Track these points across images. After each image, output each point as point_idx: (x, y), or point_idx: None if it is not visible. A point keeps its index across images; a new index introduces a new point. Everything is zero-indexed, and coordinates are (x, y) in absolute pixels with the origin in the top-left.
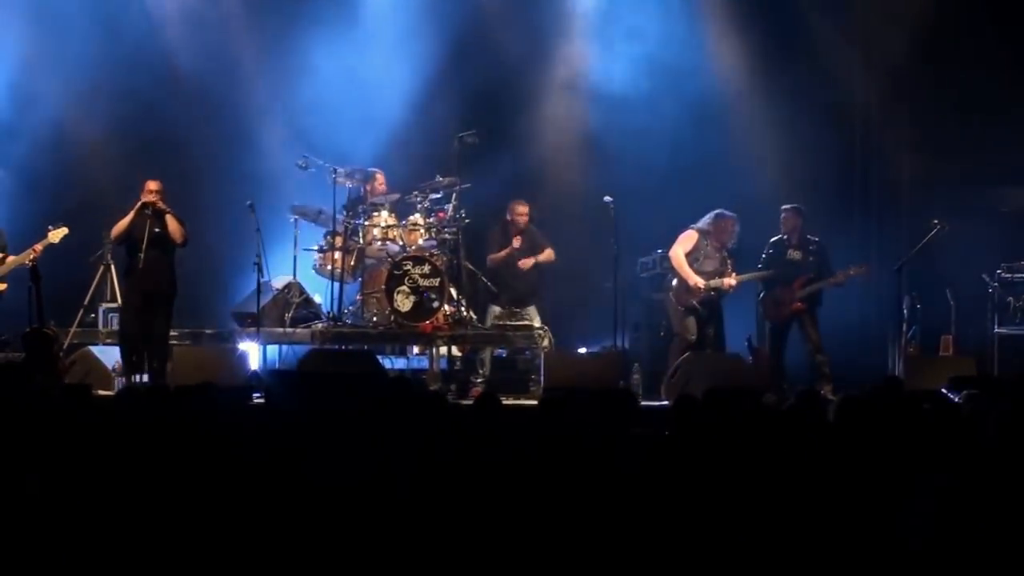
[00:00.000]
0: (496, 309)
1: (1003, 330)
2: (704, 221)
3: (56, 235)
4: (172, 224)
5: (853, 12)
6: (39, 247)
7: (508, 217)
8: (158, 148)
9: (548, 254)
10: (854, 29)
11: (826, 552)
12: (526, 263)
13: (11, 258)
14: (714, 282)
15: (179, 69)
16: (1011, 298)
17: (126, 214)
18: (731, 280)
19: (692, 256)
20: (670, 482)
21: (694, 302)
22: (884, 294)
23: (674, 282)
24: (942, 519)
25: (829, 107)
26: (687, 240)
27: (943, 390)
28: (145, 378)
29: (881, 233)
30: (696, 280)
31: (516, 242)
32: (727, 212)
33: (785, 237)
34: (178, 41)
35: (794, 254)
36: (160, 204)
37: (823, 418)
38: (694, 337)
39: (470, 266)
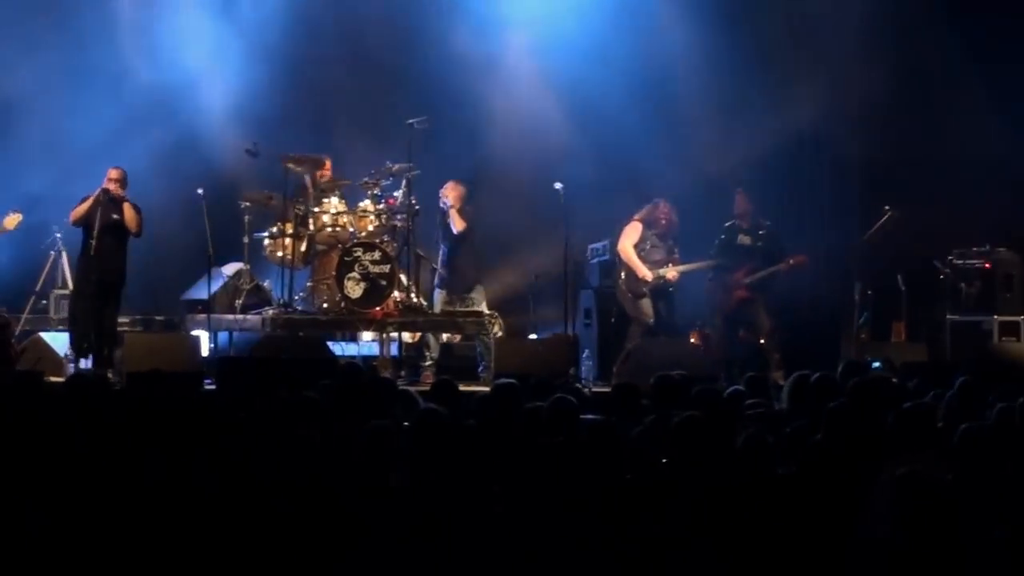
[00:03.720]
0: (443, 294)
1: (955, 316)
2: (644, 210)
3: (11, 222)
4: (128, 213)
5: None
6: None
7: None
8: (111, 135)
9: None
10: (805, 10)
11: (779, 541)
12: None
13: None
14: (662, 271)
15: (134, 57)
16: (963, 284)
17: (84, 200)
18: (672, 272)
19: (639, 247)
20: (618, 469)
21: (644, 290)
22: (835, 279)
23: (623, 273)
24: (903, 507)
25: (779, 90)
26: (632, 232)
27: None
28: (92, 364)
29: (832, 217)
30: (645, 272)
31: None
32: (662, 200)
33: (736, 222)
34: (133, 29)
35: (744, 239)
36: (117, 192)
37: (770, 403)
38: (652, 320)
39: (420, 253)
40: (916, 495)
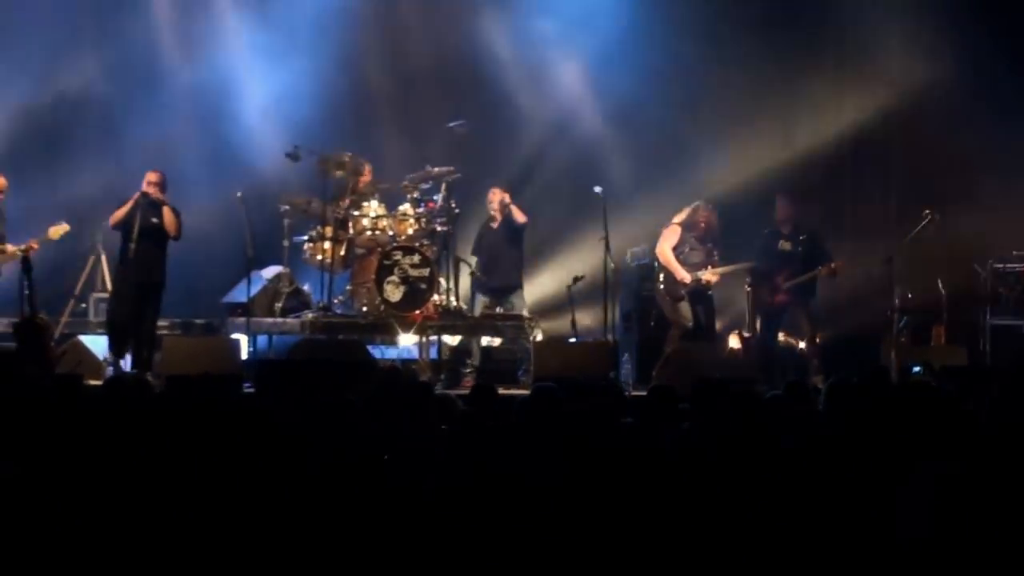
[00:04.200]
0: (483, 298)
1: (995, 320)
2: (683, 213)
3: (56, 232)
4: (168, 216)
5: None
6: (35, 243)
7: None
8: (150, 139)
9: (518, 216)
10: (847, 17)
11: (816, 544)
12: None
13: (10, 247)
14: (700, 273)
15: (173, 60)
16: (1003, 288)
17: (124, 204)
18: (710, 275)
19: (678, 250)
20: (657, 473)
21: (683, 293)
22: (875, 284)
23: (661, 276)
24: (941, 508)
25: (821, 93)
26: (671, 235)
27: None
28: (131, 368)
29: (872, 222)
30: (683, 275)
31: (493, 224)
32: (704, 203)
33: (777, 228)
34: (171, 31)
35: (784, 245)
36: (157, 195)
37: (812, 408)
38: (691, 324)
39: (460, 256)
40: (956, 495)
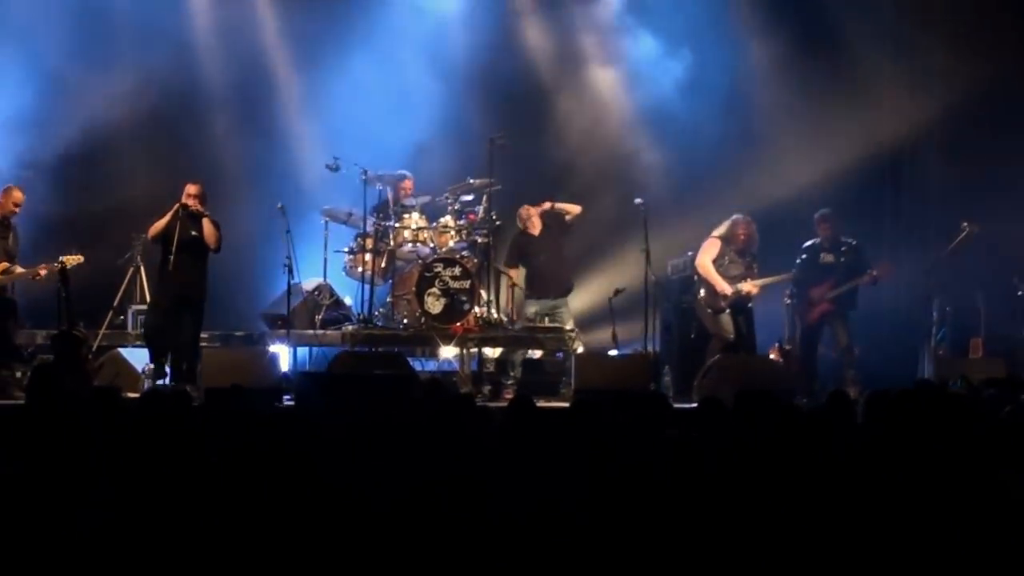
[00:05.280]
0: (532, 305)
1: None
2: (723, 227)
3: (70, 262)
4: (207, 228)
5: (883, 13)
6: (43, 271)
7: (520, 226)
8: (191, 151)
9: (572, 208)
10: (885, 30)
11: (857, 554)
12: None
13: (18, 270)
14: (741, 285)
15: (213, 73)
16: None
17: (163, 215)
18: (750, 287)
19: (717, 263)
20: (701, 485)
21: (724, 305)
22: (914, 296)
23: (702, 290)
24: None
25: (859, 106)
26: (711, 248)
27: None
28: (170, 380)
29: (911, 235)
30: (724, 287)
31: (533, 231)
32: (743, 216)
33: (819, 241)
34: (213, 45)
35: (827, 257)
36: (196, 207)
37: (852, 419)
38: (732, 336)
39: (501, 268)
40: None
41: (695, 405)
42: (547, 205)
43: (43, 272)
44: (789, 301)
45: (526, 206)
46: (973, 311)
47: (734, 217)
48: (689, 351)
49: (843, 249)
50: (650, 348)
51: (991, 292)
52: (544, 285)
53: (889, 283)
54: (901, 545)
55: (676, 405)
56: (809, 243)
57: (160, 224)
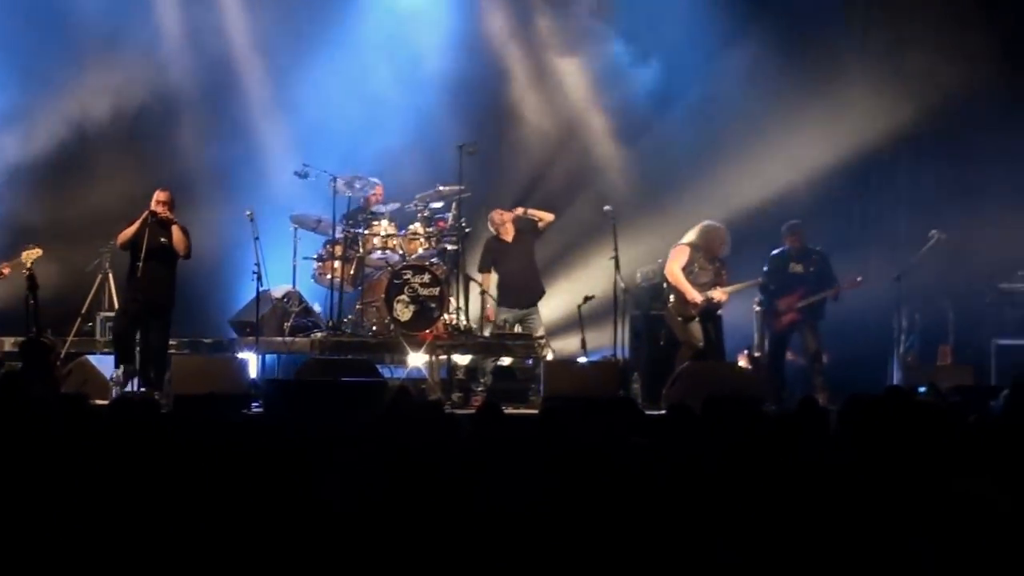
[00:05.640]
0: (504, 313)
1: (1002, 340)
2: (693, 234)
3: (29, 257)
4: (177, 235)
5: (854, 18)
6: (7, 268)
7: (493, 231)
8: (160, 157)
9: (545, 215)
10: (856, 36)
11: (828, 563)
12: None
13: None
14: (712, 293)
15: (183, 79)
16: (1009, 308)
17: (132, 222)
18: (720, 294)
19: (687, 270)
20: (670, 492)
21: (694, 313)
22: (883, 303)
23: (671, 297)
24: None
25: (828, 115)
26: (680, 255)
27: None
28: (138, 388)
29: (880, 241)
30: (694, 295)
31: (507, 235)
32: (715, 223)
33: (787, 250)
34: (182, 51)
35: (796, 267)
36: (166, 214)
37: (823, 426)
38: (702, 343)
39: (471, 275)
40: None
41: (663, 412)
42: (520, 211)
43: (6, 271)
44: (758, 308)
45: (499, 211)
46: (942, 318)
47: (704, 223)
48: (658, 358)
49: (813, 258)
50: (619, 355)
51: (960, 300)
52: (517, 294)
53: (858, 290)
54: (870, 552)
55: (646, 412)
56: (777, 251)
57: (129, 231)
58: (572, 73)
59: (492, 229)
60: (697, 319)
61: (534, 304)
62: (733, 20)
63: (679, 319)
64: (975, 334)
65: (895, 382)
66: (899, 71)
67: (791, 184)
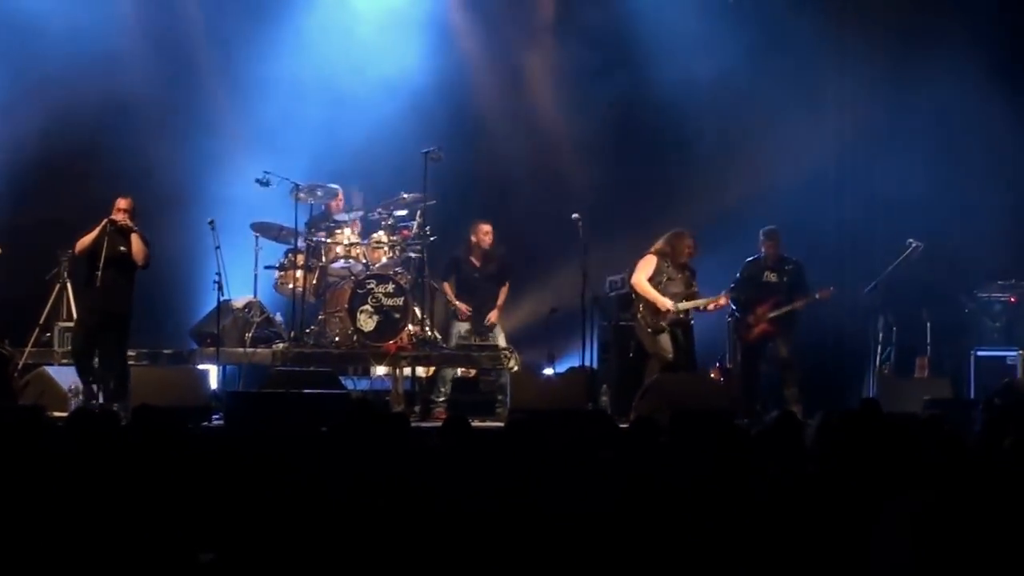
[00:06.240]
0: (461, 328)
1: (981, 352)
2: (659, 242)
3: None
4: (136, 244)
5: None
6: None
7: (472, 239)
8: (120, 164)
9: (504, 292)
10: (831, 40)
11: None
12: (491, 317)
13: None
14: (683, 304)
15: (139, 85)
16: (988, 318)
17: (91, 230)
18: (688, 307)
19: (655, 280)
20: (634, 509)
21: (663, 324)
22: (858, 313)
23: (640, 306)
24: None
25: (802, 122)
26: (647, 265)
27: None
28: (101, 399)
29: (855, 251)
30: (666, 303)
31: (477, 261)
32: (683, 230)
33: (761, 257)
34: (141, 57)
35: (770, 276)
36: (126, 222)
37: (799, 442)
38: (671, 356)
39: (435, 285)
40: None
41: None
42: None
43: None
44: (730, 318)
45: (486, 227)
46: (919, 329)
47: (673, 231)
48: (627, 370)
49: (787, 268)
50: (587, 367)
51: (937, 309)
52: (478, 319)
53: (832, 300)
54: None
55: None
56: (751, 259)
57: (88, 238)
58: (540, 79)
59: (473, 238)
60: (667, 330)
61: (495, 324)
62: (703, 26)
63: (648, 331)
64: (953, 345)
65: (871, 395)
66: (873, 73)
67: (764, 191)
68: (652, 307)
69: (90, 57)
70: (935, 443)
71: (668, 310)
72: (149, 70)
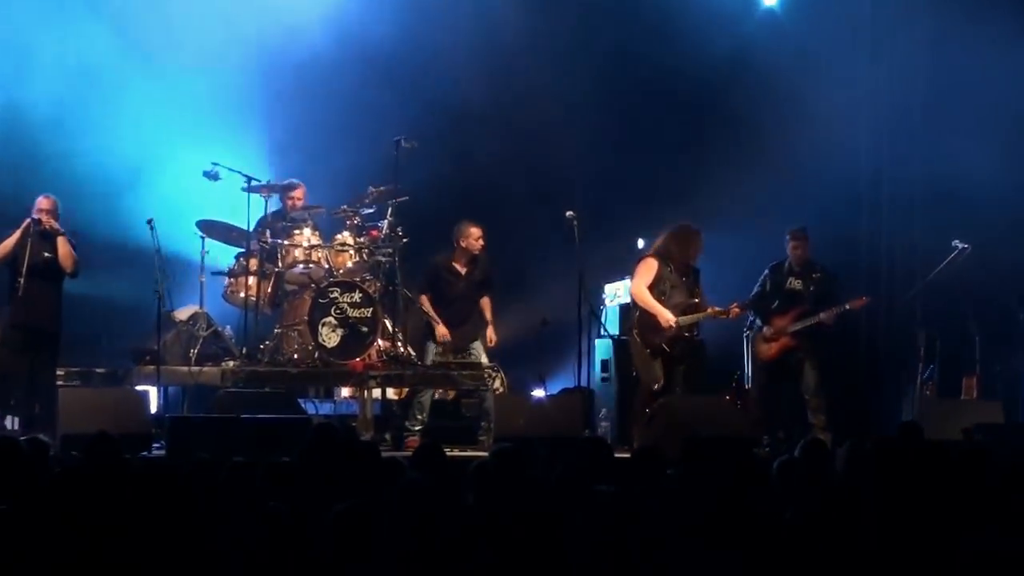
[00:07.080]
0: (436, 346)
1: None
2: (658, 241)
3: None
4: (63, 248)
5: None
6: None
7: (461, 243)
8: (42, 159)
9: (489, 305)
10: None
11: None
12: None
13: None
14: (684, 319)
15: (77, 69)
16: None
17: (10, 233)
18: (691, 320)
19: (657, 288)
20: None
21: (662, 343)
22: (896, 327)
23: (636, 318)
24: None
25: (831, 117)
26: (647, 270)
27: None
28: (18, 424)
29: (892, 256)
30: (668, 318)
31: (461, 269)
32: (687, 224)
33: (787, 262)
34: (75, 38)
35: (795, 283)
36: (50, 224)
37: (828, 473)
38: (659, 385)
39: (409, 295)
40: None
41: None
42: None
43: None
44: (747, 332)
45: (477, 231)
46: (966, 344)
47: (675, 227)
48: (630, 391)
49: (814, 276)
50: (583, 387)
51: (987, 321)
52: (456, 329)
53: (866, 311)
54: None
55: (617, 455)
56: (776, 263)
57: (7, 244)
58: (526, 59)
59: (462, 243)
60: (664, 352)
61: (475, 339)
62: (707, 16)
63: (646, 350)
64: (1005, 362)
65: (911, 419)
66: (904, 64)
67: (784, 190)
68: (651, 322)
69: (7, 51)
70: (987, 474)
71: (670, 326)
72: (80, 54)
